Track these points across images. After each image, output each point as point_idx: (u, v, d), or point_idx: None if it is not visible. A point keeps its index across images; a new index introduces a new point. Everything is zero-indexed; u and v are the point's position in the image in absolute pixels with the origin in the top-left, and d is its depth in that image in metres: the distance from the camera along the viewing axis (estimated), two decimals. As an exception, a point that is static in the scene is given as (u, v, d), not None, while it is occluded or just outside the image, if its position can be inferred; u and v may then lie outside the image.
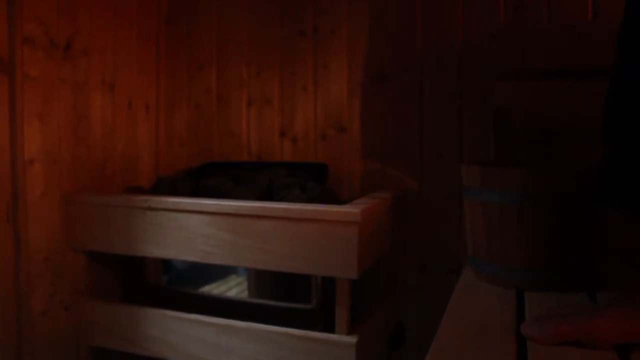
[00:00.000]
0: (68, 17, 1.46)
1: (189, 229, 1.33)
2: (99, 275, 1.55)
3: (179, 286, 1.58)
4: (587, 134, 1.02)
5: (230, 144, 1.82)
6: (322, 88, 1.69)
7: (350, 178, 1.66)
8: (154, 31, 1.84)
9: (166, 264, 1.59)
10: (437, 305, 1.19)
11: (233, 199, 1.37)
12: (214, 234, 1.31)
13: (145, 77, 1.80)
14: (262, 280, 1.48)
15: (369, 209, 1.25)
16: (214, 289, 1.53)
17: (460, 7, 1.52)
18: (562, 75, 1.28)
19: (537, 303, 0.93)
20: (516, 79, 1.33)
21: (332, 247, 1.20)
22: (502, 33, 1.39)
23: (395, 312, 1.59)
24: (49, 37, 1.40)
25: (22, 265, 1.34)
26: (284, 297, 1.41)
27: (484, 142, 1.46)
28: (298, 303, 1.36)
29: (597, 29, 1.29)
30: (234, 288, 1.52)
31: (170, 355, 1.38)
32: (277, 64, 1.74)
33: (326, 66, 1.68)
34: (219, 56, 1.83)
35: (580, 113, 1.22)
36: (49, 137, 1.42)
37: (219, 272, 1.55)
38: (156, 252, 1.38)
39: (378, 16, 1.61)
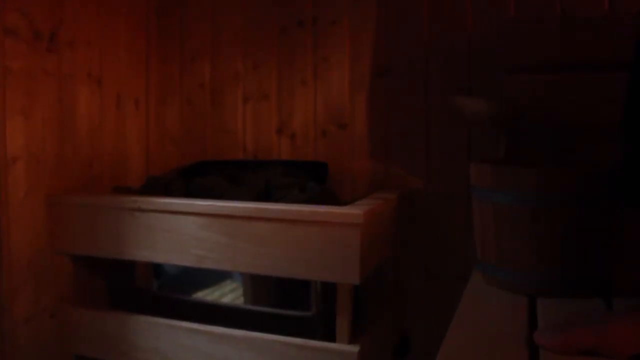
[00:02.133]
0: (53, 6, 1.46)
1: (181, 231, 1.33)
2: (86, 281, 1.55)
3: (171, 292, 1.58)
4: (604, 131, 1.02)
5: (225, 142, 1.81)
6: (322, 82, 1.69)
7: (352, 177, 1.66)
8: (144, 21, 1.84)
9: (157, 269, 1.59)
10: (444, 312, 1.19)
11: (228, 199, 1.36)
12: (207, 236, 1.30)
13: (135, 70, 1.80)
14: (259, 285, 1.48)
15: (372, 210, 1.25)
16: (208, 295, 1.53)
17: (469, -4, 1.52)
18: (576, 69, 1.28)
19: (551, 310, 0.92)
20: (527, 73, 1.32)
21: (332, 250, 1.20)
22: (513, 24, 1.39)
23: (399, 319, 1.59)
24: (32, 28, 1.40)
25: (4, 270, 1.34)
26: (281, 303, 1.41)
27: (493, 139, 1.46)
28: (297, 310, 1.35)
29: (613, 20, 1.29)
30: (228, 294, 1.52)
31: (161, 365, 1.38)
32: (274, 56, 1.74)
33: (327, 59, 1.68)
34: (213, 48, 1.82)
35: (597, 108, 1.22)
36: (33, 134, 1.41)
37: (213, 277, 1.55)
38: (146, 255, 1.38)
39: (382, 6, 1.61)
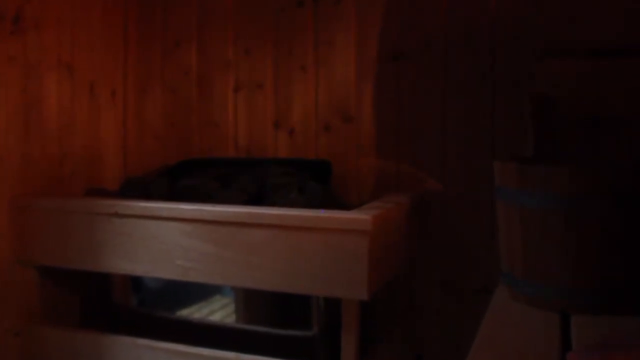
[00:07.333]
0: (18, -17, 1.46)
1: (164, 239, 1.33)
2: (55, 295, 1.55)
3: (152, 309, 1.58)
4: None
5: (214, 137, 1.81)
6: (324, 69, 1.69)
7: (359, 178, 1.66)
8: (122, 0, 1.84)
9: (136, 282, 1.59)
10: (463, 330, 1.19)
11: (217, 203, 1.36)
12: (193, 245, 1.30)
13: (111, 55, 1.80)
14: (253, 301, 1.48)
15: (382, 216, 1.25)
16: (194, 312, 1.53)
17: (492, -29, 1.52)
18: (618, 54, 1.27)
19: (586, 329, 0.92)
20: (562, 58, 1.32)
21: (337, 261, 1.20)
22: (544, 2, 1.39)
23: (413, 339, 1.58)
24: (-6, 8, 1.40)
25: (-38, 284, 1.34)
26: (278, 322, 1.41)
27: (521, 134, 1.46)
28: (296, 330, 1.36)
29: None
30: (218, 311, 1.52)
31: (141, 392, 1.38)
32: (270, 40, 1.74)
33: (330, 43, 1.68)
34: (200, 31, 1.83)
35: None
36: (-5, 129, 1.42)
37: (200, 292, 1.55)
38: (124, 267, 1.38)
39: (392, -18, 1.62)
